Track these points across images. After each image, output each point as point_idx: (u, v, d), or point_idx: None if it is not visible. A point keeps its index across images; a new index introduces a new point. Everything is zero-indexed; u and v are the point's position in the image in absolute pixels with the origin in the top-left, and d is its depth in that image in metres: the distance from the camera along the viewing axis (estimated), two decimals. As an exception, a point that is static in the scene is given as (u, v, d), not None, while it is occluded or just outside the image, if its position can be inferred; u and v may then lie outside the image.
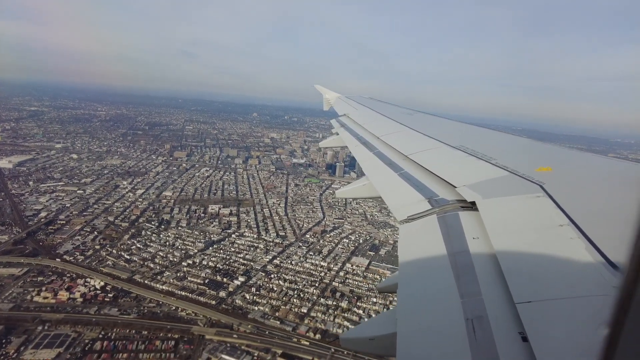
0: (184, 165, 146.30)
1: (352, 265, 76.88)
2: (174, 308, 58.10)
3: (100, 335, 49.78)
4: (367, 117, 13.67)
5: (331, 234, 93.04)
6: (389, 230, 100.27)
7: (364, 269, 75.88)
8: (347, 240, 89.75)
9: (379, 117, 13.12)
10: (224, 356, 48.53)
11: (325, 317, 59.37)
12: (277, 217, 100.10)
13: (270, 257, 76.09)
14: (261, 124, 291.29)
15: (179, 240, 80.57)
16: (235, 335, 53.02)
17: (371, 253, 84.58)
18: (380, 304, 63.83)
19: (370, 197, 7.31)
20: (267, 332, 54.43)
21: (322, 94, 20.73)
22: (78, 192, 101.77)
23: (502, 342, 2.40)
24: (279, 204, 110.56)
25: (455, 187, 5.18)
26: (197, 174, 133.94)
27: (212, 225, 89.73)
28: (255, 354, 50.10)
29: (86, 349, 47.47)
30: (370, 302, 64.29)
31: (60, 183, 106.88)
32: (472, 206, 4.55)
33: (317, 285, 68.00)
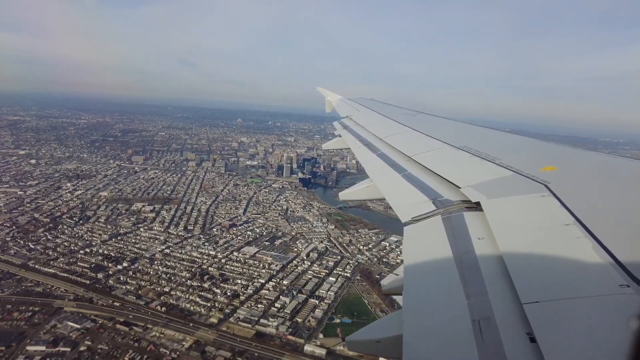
0: (136, 168, 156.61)
1: (239, 254, 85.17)
2: (50, 287, 67.25)
3: (-34, 310, 59.11)
4: (370, 118, 13.61)
5: (239, 227, 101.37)
6: (300, 223, 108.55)
7: (248, 257, 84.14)
8: (250, 233, 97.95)
9: (381, 119, 13.10)
10: (69, 323, 57.44)
11: (182, 295, 67.83)
12: (196, 214, 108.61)
13: (164, 247, 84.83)
14: (239, 129, 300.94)
15: (89, 233, 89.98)
16: (90, 308, 61.96)
17: (267, 243, 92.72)
18: (243, 284, 72.12)
19: (373, 198, 7.44)
20: (120, 305, 63.18)
21: (324, 96, 20.86)
22: (19, 193, 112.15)
23: (510, 343, 2.38)
24: (206, 202, 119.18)
25: (460, 188, 5.22)
26: (142, 177, 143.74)
27: (127, 220, 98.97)
28: (100, 322, 58.91)
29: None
30: (234, 283, 72.66)
31: (5, 185, 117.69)
32: (476, 206, 4.55)
33: (192, 270, 76.44)
